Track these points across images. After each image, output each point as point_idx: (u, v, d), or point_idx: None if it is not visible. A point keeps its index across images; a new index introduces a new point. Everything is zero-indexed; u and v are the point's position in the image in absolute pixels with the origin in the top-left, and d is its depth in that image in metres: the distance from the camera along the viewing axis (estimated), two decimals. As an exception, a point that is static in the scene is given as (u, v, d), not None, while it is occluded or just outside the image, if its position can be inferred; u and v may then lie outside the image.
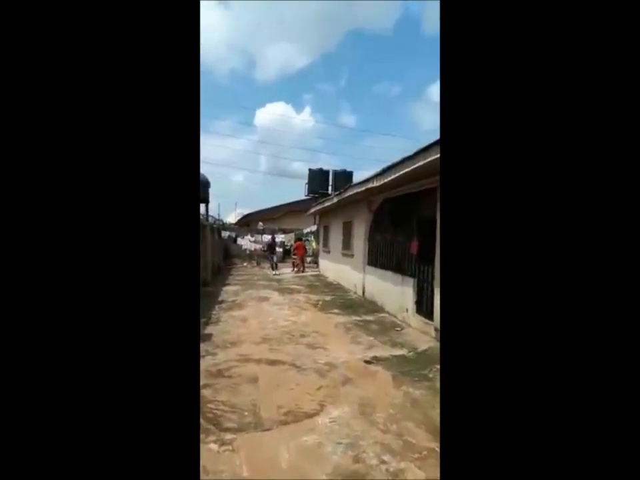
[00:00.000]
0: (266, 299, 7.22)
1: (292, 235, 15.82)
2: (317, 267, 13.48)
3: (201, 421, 2.43)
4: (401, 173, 4.64)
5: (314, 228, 14.90)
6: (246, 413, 2.59)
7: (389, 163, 5.06)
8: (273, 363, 3.60)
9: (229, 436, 2.30)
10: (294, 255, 13.21)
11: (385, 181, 5.24)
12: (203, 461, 2.02)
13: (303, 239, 14.20)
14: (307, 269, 12.79)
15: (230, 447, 2.18)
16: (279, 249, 14.42)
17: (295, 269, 12.82)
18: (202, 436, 2.26)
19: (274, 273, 11.58)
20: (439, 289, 4.34)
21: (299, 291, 8.33)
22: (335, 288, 8.98)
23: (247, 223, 20.96)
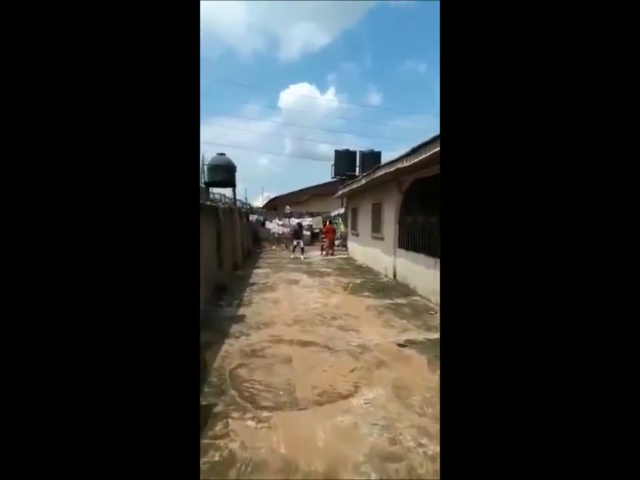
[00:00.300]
0: (296, 281, 7.28)
1: (319, 219, 15.77)
2: (346, 250, 13.47)
3: (238, 399, 2.52)
4: (432, 152, 4.49)
5: (341, 211, 14.80)
6: (281, 392, 2.64)
7: (418, 142, 4.93)
8: (305, 344, 3.65)
9: (265, 414, 2.37)
10: (323, 238, 13.23)
11: (415, 160, 5.10)
12: (241, 437, 2.11)
13: (332, 221, 14.14)
14: (335, 252, 12.84)
15: (267, 425, 2.25)
16: (306, 232, 14.50)
17: (324, 252, 12.87)
18: (239, 414, 2.35)
19: (302, 257, 11.58)
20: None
21: (328, 274, 8.37)
22: (364, 271, 8.96)
23: (274, 207, 21.09)
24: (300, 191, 20.66)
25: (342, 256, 12.57)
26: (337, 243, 13.55)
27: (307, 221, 15.46)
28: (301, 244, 11.91)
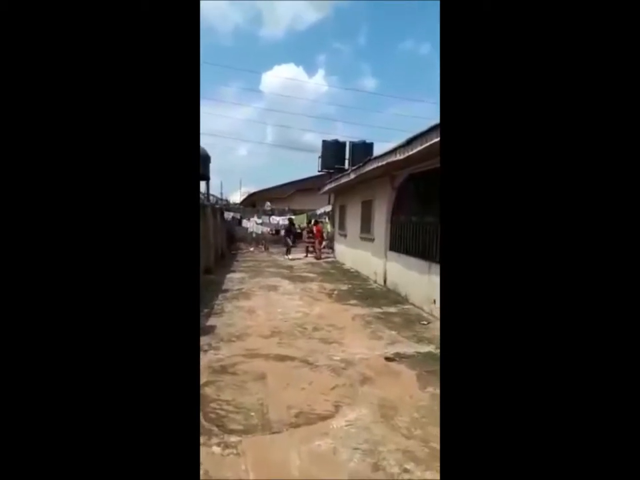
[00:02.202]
0: (275, 287, 7.32)
1: (303, 217, 15.75)
2: (332, 252, 13.55)
3: (203, 422, 2.49)
4: (429, 143, 4.50)
5: (328, 208, 14.86)
6: (252, 414, 2.64)
7: (415, 133, 4.94)
8: (282, 358, 3.65)
9: (233, 438, 2.34)
10: (309, 239, 13.27)
11: (411, 153, 5.11)
12: (205, 466, 2.07)
13: (318, 220, 14.17)
14: (321, 255, 12.92)
15: (235, 451, 2.22)
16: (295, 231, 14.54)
17: (309, 255, 12.89)
18: (204, 438, 2.31)
19: (288, 258, 11.65)
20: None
21: (311, 279, 8.40)
22: (352, 276, 9.02)
23: (253, 203, 21.00)
24: (282, 185, 20.61)
25: (328, 259, 12.65)
26: (323, 244, 13.56)
27: (284, 220, 15.42)
28: (290, 243, 12.00)
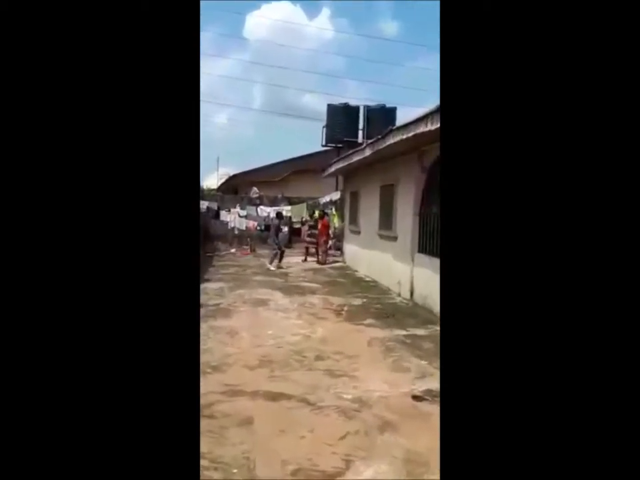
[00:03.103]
0: (264, 302, 7.34)
1: (302, 207, 15.86)
2: (341, 254, 13.53)
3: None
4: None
5: (335, 196, 14.85)
6: (235, 471, 2.64)
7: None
8: (275, 397, 3.67)
9: (209, 507, 2.34)
10: (309, 237, 13.30)
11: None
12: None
13: (324, 212, 14.09)
14: (327, 258, 12.95)
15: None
16: (283, 229, 14.33)
17: (308, 259, 12.89)
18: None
19: (273, 266, 11.46)
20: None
21: (313, 291, 8.43)
22: (367, 286, 9.03)
23: (235, 189, 20.99)
24: (274, 165, 20.64)
25: (335, 264, 12.65)
26: (329, 244, 13.59)
27: (275, 212, 15.33)
28: (277, 246, 11.75)
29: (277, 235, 11.98)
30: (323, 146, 15.91)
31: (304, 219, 14.95)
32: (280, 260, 11.76)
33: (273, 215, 14.36)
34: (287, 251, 13.10)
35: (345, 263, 12.78)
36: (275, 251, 11.72)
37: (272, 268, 11.36)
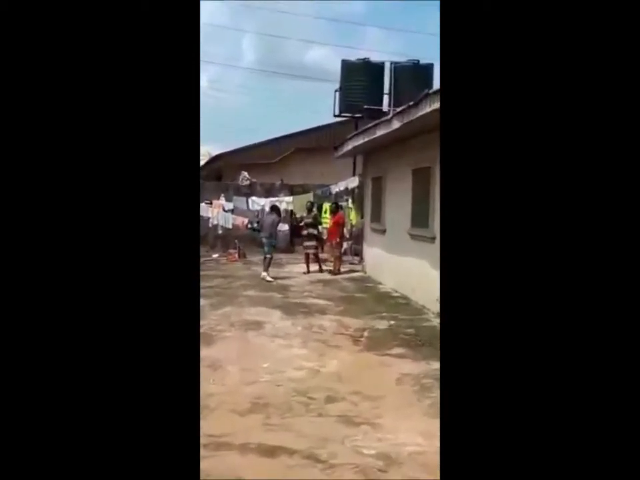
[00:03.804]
0: (258, 325, 7.43)
1: (308, 197, 15.33)
2: (360, 261, 13.45)
3: None
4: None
5: (352, 183, 14.60)
6: None
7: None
8: (272, 452, 3.65)
9: None
10: (307, 237, 12.98)
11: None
12: None
13: (338, 205, 13.86)
14: (341, 265, 12.90)
15: None
16: (282, 226, 14.27)
17: (310, 269, 12.71)
18: None
19: (268, 275, 11.38)
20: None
21: (323, 310, 8.44)
22: (396, 304, 9.04)
23: (218, 174, 20.78)
24: (270, 142, 20.48)
25: (352, 273, 12.65)
26: (343, 247, 13.49)
27: (266, 205, 14.99)
28: (268, 249, 11.71)
29: (273, 234, 11.97)
30: (335, 116, 15.66)
31: (301, 217, 14.38)
32: (266, 268, 11.70)
33: (268, 208, 14.07)
34: (289, 257, 13.14)
35: (364, 272, 12.78)
36: (269, 255, 11.71)
37: (268, 278, 11.36)
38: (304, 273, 12.67)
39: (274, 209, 12.90)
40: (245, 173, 17.79)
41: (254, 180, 17.68)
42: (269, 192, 16.87)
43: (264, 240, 12.00)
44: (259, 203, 15.97)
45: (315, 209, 13.77)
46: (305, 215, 13.74)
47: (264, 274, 11.55)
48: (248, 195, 16.51)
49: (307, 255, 12.99)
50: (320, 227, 13.60)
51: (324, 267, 12.79)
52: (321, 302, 9.23)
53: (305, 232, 13.20)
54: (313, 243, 12.92)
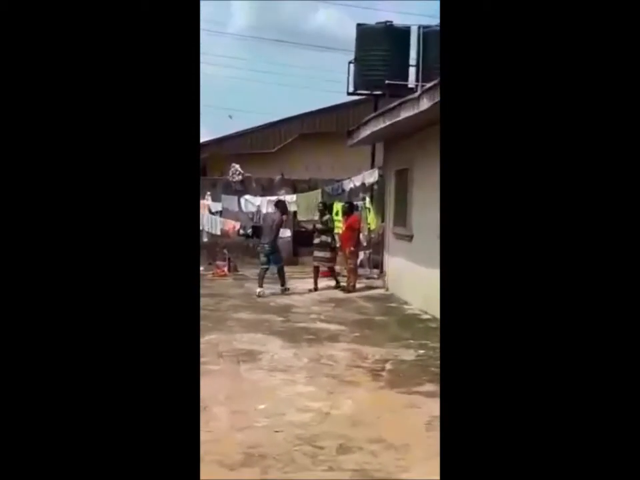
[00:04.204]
0: (253, 355, 7.24)
1: (314, 196, 14.39)
2: (380, 274, 13.15)
3: None
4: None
5: (371, 177, 13.95)
6: None
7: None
8: None
9: None
10: (319, 247, 12.49)
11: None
12: None
13: (353, 205, 13.34)
14: (357, 280, 12.56)
15: None
16: (284, 232, 13.72)
17: (320, 284, 12.37)
18: None
19: (259, 293, 11.18)
20: None
21: (334, 337, 8.22)
22: (426, 329, 8.96)
23: (204, 167, 20.29)
24: (267, 127, 19.81)
25: (370, 290, 12.43)
26: (359, 257, 13.04)
27: (262, 204, 14.25)
28: (267, 257, 11.44)
29: (274, 238, 11.64)
30: (349, 94, 15.17)
31: (311, 223, 13.67)
32: (283, 282, 11.50)
33: (266, 208, 13.44)
34: (292, 270, 12.79)
35: (386, 288, 12.37)
36: (265, 266, 11.44)
37: (259, 290, 11.16)
38: (310, 291, 12.29)
39: (279, 205, 12.43)
40: (237, 166, 16.83)
41: (247, 174, 16.75)
42: (266, 189, 16.10)
43: (265, 247, 11.66)
44: (254, 202, 14.97)
45: (327, 213, 13.04)
46: (315, 218, 13.20)
47: (259, 290, 11.31)
48: (240, 194, 15.53)
49: (316, 269, 12.57)
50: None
51: (335, 282, 12.40)
52: (332, 326, 9.06)
53: (316, 240, 12.64)
54: (326, 253, 12.34)
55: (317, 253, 12.61)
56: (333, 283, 12.43)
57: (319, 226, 12.76)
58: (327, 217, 12.78)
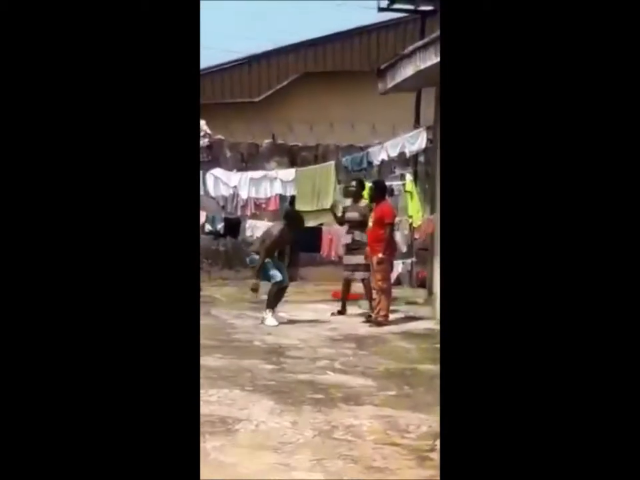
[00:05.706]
0: (225, 424, 5.21)
1: (326, 170, 10.27)
2: (427, 294, 10.10)
3: None
4: None
5: (415, 144, 9.80)
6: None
7: None
8: None
9: None
10: (348, 251, 9.69)
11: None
12: None
13: (389, 184, 10.07)
14: (389, 306, 9.63)
15: None
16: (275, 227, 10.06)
17: (342, 310, 9.73)
18: None
19: (270, 316, 9.00)
20: None
21: (354, 397, 6.03)
22: None
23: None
24: (251, 61, 15.15)
25: (413, 323, 9.53)
26: (394, 272, 9.83)
27: (241, 183, 10.42)
28: (276, 276, 9.06)
29: (280, 252, 9.27)
30: (381, 10, 11.84)
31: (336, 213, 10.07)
32: (274, 305, 9.00)
33: (247, 192, 10.13)
34: (289, 287, 9.76)
35: (436, 320, 9.16)
36: (278, 281, 8.96)
37: (273, 323, 8.79)
38: (334, 314, 9.68)
39: (288, 217, 9.55)
40: (202, 123, 11.14)
41: (218, 136, 11.91)
42: (247, 160, 11.76)
43: (255, 257, 9.16)
44: (228, 182, 10.75)
45: (363, 197, 9.71)
46: (341, 205, 10.09)
47: (265, 315, 8.98)
48: (206, 167, 10.93)
49: (348, 283, 9.72)
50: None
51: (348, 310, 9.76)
52: (352, 380, 6.58)
53: (347, 239, 9.72)
54: (361, 258, 9.36)
55: (350, 259, 9.71)
56: (359, 309, 9.68)
57: (351, 215, 9.61)
58: (363, 203, 9.59)
